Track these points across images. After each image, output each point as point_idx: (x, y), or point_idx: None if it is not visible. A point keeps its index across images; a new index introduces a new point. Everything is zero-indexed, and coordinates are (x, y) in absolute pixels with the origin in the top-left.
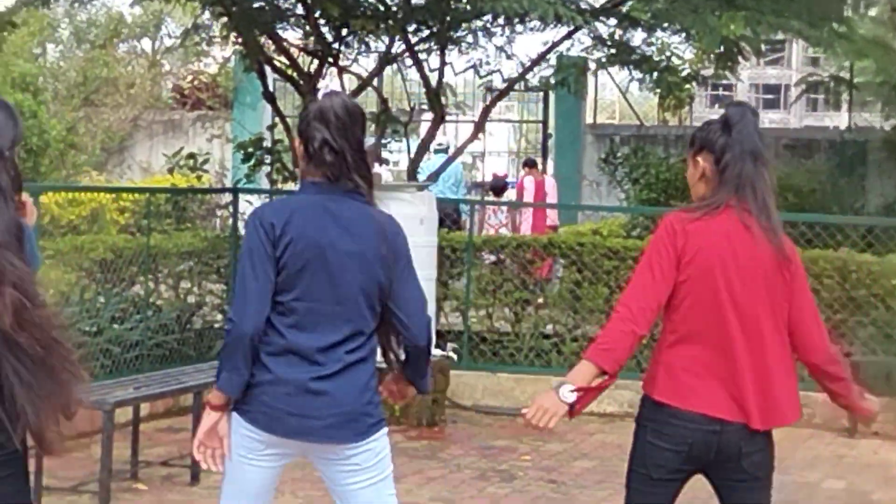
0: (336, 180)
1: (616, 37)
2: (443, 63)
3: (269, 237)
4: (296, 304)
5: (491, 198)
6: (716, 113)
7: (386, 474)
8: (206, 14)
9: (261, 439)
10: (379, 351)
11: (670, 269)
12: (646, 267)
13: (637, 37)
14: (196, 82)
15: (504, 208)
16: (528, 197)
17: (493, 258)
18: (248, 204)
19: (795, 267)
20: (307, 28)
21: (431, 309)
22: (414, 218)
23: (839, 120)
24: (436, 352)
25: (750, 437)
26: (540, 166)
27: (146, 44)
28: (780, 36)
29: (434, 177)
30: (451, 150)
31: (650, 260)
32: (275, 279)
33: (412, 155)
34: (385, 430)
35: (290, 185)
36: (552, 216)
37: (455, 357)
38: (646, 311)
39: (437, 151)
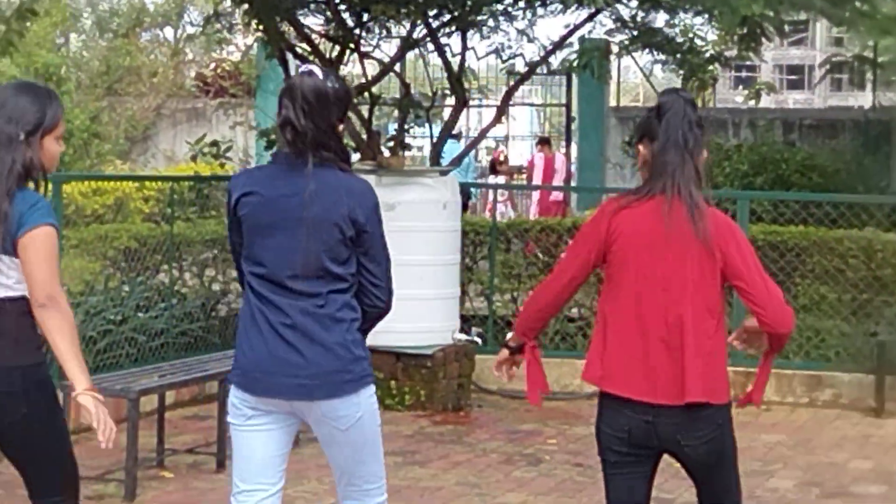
0: (298, 156)
1: (638, 19)
2: (464, 48)
3: (231, 204)
4: (259, 269)
5: (489, 175)
6: (739, 94)
7: (367, 437)
8: (228, 1)
9: (247, 403)
10: None
11: (587, 251)
12: (569, 247)
13: (659, 19)
14: (219, 70)
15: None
16: (538, 173)
17: (521, 244)
18: None
19: (727, 247)
20: (328, 14)
21: (456, 293)
22: (437, 203)
23: (864, 99)
24: (461, 336)
25: (688, 421)
26: (556, 146)
27: (168, 32)
28: (802, 16)
29: (457, 161)
30: (464, 137)
31: (574, 240)
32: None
33: (435, 140)
34: (368, 388)
35: None
36: (557, 193)
37: (480, 341)
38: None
39: (449, 137)
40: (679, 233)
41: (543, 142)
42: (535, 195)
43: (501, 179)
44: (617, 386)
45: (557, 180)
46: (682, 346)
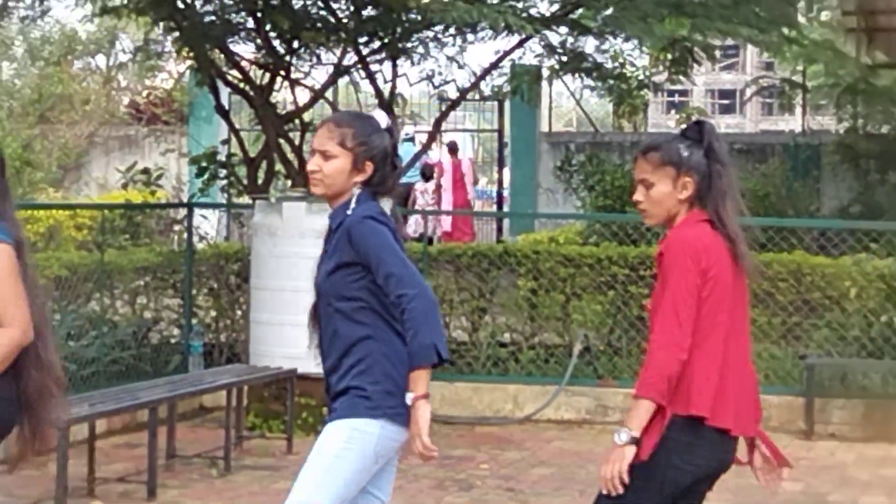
0: None
1: (567, 45)
2: (395, 74)
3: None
4: None
5: (421, 181)
6: (671, 119)
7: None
8: (159, 29)
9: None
10: None
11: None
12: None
13: (589, 44)
14: (151, 97)
15: (430, 190)
16: (447, 177)
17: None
18: (203, 218)
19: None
20: (258, 41)
21: None
22: None
23: (794, 124)
24: None
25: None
26: (490, 171)
27: (101, 60)
28: (731, 41)
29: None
30: (416, 140)
31: (680, 283)
32: None
33: None
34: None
35: (245, 199)
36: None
37: None
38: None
39: (404, 141)
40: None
41: (452, 149)
42: (447, 196)
43: (431, 185)
44: (726, 421)
45: (467, 182)
46: (752, 375)
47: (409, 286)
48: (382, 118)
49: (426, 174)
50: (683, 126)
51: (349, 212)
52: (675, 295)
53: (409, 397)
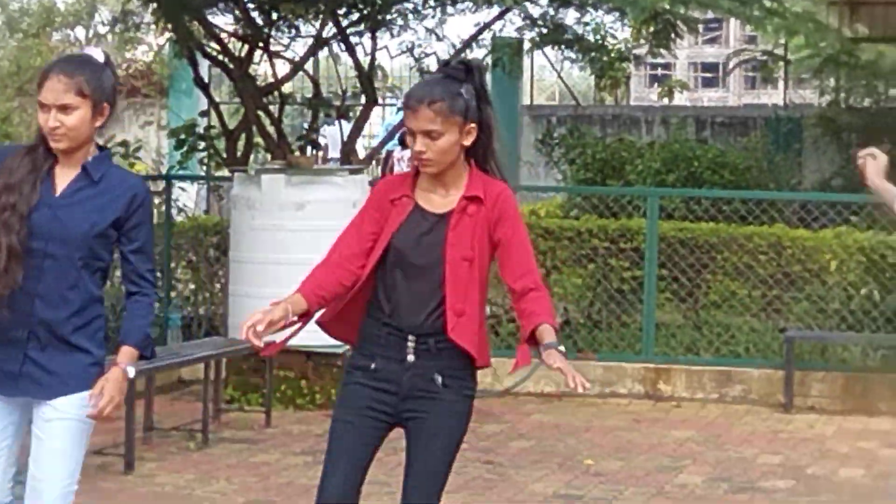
0: None
1: (548, 17)
2: (374, 47)
3: None
4: None
5: (399, 149)
6: (654, 92)
7: None
8: (137, 1)
9: None
10: None
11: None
12: None
13: (570, 16)
14: (131, 70)
15: (407, 158)
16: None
17: None
18: (182, 191)
19: None
20: (237, 13)
21: None
22: (347, 202)
23: (777, 98)
24: None
25: None
26: None
27: (80, 32)
28: (713, 15)
29: (368, 160)
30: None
31: None
32: None
33: (345, 139)
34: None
35: (224, 172)
36: None
37: None
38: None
39: (399, 109)
40: None
41: None
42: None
43: (408, 153)
44: None
45: None
46: None
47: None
48: (98, 54)
49: (404, 142)
50: (665, 99)
51: (113, 169)
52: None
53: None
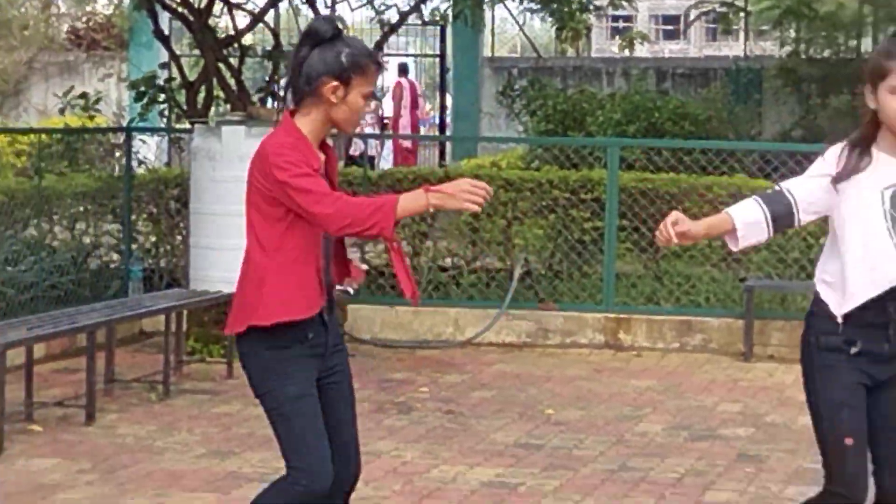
0: None
1: None
2: None
3: None
4: None
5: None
6: (615, 44)
7: None
8: None
9: None
10: None
11: None
12: None
13: None
14: (91, 23)
15: (371, 111)
16: (407, 94)
17: None
18: (143, 143)
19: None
20: None
21: None
22: None
23: (738, 50)
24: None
25: None
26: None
27: None
28: None
29: None
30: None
31: None
32: None
33: None
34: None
35: (184, 124)
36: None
37: (352, 291)
38: None
39: None
40: None
41: (403, 70)
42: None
43: (371, 105)
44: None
45: (420, 105)
46: None
47: None
48: None
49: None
50: (626, 51)
51: None
52: None
53: None
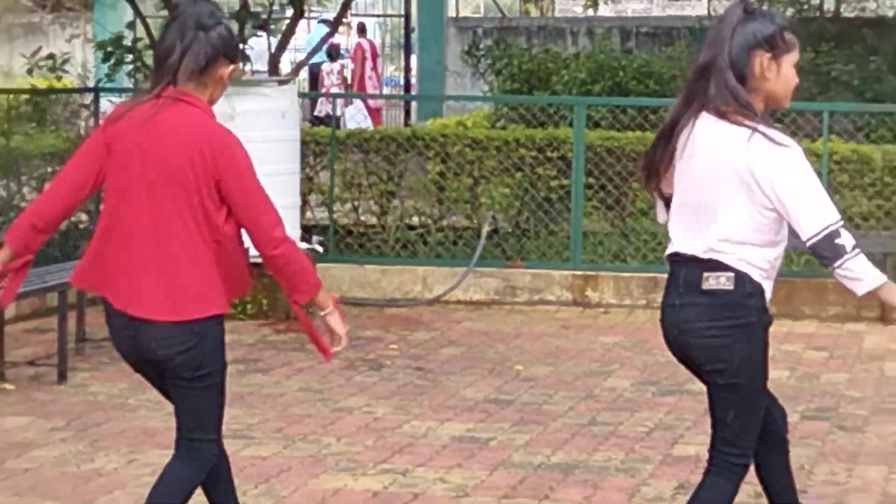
0: None
1: None
2: None
3: None
4: None
5: (328, 62)
6: (578, 5)
7: None
8: None
9: None
10: None
11: (89, 157)
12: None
13: None
14: None
15: (336, 71)
16: (369, 55)
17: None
18: (110, 103)
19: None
20: None
21: (296, 203)
22: (276, 112)
23: (701, 9)
24: (302, 245)
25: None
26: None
27: None
28: None
29: (296, 71)
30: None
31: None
32: None
33: (272, 50)
34: None
35: None
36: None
37: (321, 250)
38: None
39: (320, 22)
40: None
41: (361, 30)
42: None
43: (337, 66)
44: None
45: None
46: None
47: None
48: None
49: (332, 55)
50: (590, 11)
51: None
52: None
53: None
